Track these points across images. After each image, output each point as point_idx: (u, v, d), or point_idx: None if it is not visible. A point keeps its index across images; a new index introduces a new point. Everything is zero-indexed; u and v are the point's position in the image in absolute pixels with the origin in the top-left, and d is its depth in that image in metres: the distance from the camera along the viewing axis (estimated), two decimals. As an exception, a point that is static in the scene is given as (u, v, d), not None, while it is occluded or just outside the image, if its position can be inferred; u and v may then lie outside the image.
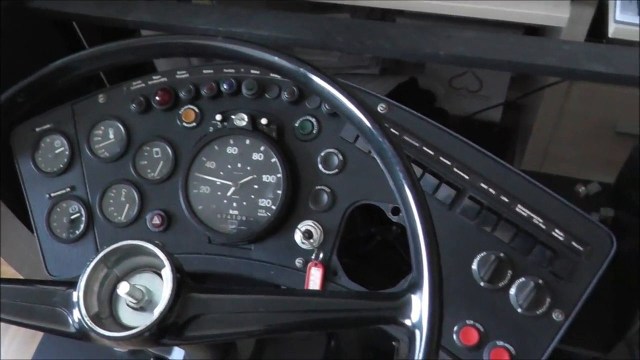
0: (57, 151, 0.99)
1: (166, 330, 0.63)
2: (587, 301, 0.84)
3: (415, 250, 0.62)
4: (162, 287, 0.64)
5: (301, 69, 0.69)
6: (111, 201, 0.97)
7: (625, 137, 1.34)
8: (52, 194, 0.99)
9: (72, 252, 0.98)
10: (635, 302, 0.92)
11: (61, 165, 0.99)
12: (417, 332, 0.59)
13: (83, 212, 0.97)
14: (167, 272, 0.64)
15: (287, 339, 1.00)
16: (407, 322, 0.60)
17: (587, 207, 1.06)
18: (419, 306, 0.59)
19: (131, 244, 0.67)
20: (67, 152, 0.99)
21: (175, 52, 0.75)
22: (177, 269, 0.65)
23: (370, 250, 1.02)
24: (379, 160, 0.66)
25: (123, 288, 0.64)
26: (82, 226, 0.97)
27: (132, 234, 0.95)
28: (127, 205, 0.96)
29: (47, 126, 1.00)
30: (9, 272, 1.24)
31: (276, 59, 0.69)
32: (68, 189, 0.98)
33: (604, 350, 0.94)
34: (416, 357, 0.58)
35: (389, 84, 1.68)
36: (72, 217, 0.98)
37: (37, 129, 1.00)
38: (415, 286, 0.60)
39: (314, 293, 0.64)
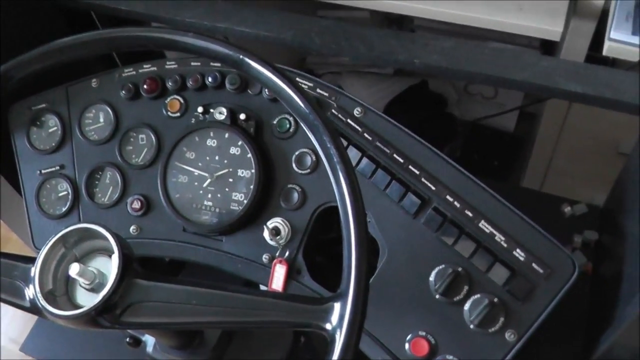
0: (50, 130, 1.03)
1: (107, 312, 0.65)
2: (558, 323, 0.83)
3: (346, 259, 0.62)
4: (111, 271, 0.66)
5: (240, 55, 0.70)
6: (97, 182, 1.00)
7: (627, 158, 1.32)
8: (43, 171, 1.02)
9: (56, 228, 0.99)
10: (603, 327, 0.90)
11: (53, 144, 1.02)
12: (336, 337, 0.60)
13: (70, 191, 1.01)
14: (115, 256, 0.66)
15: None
16: (328, 326, 0.61)
17: (571, 228, 1.06)
18: (340, 312, 0.60)
19: (86, 227, 0.70)
20: (59, 132, 1.02)
21: (116, 45, 0.78)
22: (125, 254, 0.67)
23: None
24: (322, 158, 0.67)
25: (74, 269, 0.66)
26: (68, 204, 1.01)
27: (113, 216, 0.98)
28: (111, 188, 0.99)
29: (43, 105, 1.03)
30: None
31: (214, 46, 0.71)
32: (58, 167, 1.01)
33: (569, 374, 0.94)
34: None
35: (401, 84, 1.68)
36: (60, 194, 1.02)
37: (33, 108, 1.04)
38: (341, 294, 0.61)
39: (244, 291, 0.65)
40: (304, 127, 0.70)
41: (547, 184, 1.55)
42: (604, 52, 1.04)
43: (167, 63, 0.99)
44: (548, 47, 1.49)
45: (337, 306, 0.61)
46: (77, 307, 0.66)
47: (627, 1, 1.09)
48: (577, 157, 1.44)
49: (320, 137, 0.67)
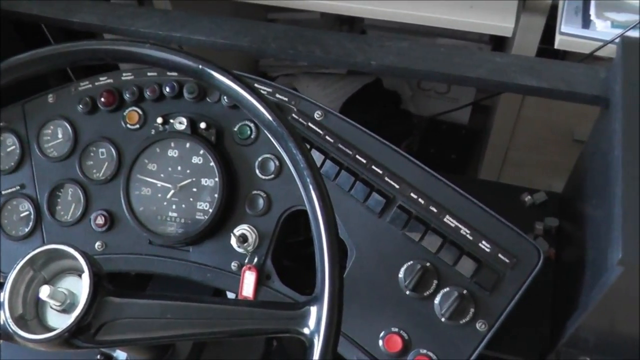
0: (8, 149, 1.01)
1: (81, 333, 0.65)
2: (524, 309, 0.85)
3: (319, 263, 0.63)
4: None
5: (200, 66, 0.70)
6: (59, 200, 0.98)
7: (583, 145, 1.35)
8: (4, 192, 1.00)
9: (20, 250, 0.99)
10: (568, 311, 0.93)
11: (12, 164, 1.00)
12: (314, 341, 0.60)
13: (32, 210, 0.99)
14: (85, 275, 0.66)
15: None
16: (306, 330, 0.61)
17: (532, 216, 1.08)
18: (317, 316, 0.61)
19: (54, 248, 0.69)
20: (17, 151, 1.00)
21: (73, 59, 0.77)
22: (95, 273, 0.66)
23: (311, 254, 1.02)
24: (290, 166, 0.68)
25: (44, 291, 0.65)
26: (30, 224, 0.99)
27: (77, 233, 0.97)
28: (73, 205, 0.97)
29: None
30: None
31: (174, 57, 0.71)
32: (18, 187, 1.00)
33: (538, 359, 0.96)
34: (310, 367, 0.59)
35: (356, 84, 1.69)
36: (22, 214, 1.00)
37: None
38: (316, 297, 0.62)
39: (218, 301, 0.65)
40: (268, 135, 0.70)
41: (505, 175, 1.58)
42: (556, 46, 1.07)
43: (124, 74, 0.98)
44: (498, 42, 1.52)
45: (313, 310, 0.62)
46: (49, 329, 0.65)
47: (576, -5, 1.12)
48: (533, 146, 1.47)
49: (285, 143, 0.68)
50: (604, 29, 1.09)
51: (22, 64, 0.77)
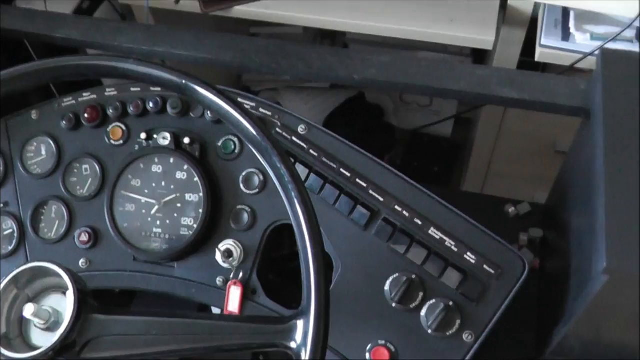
0: (-9, 167, 1.00)
1: (66, 351, 0.64)
2: (509, 319, 0.86)
3: (305, 276, 0.63)
4: (67, 308, 0.65)
5: (184, 81, 0.70)
6: (42, 217, 0.97)
7: (565, 156, 1.36)
8: (-14, 211, 0.99)
9: (3, 269, 0.97)
10: (554, 321, 0.93)
11: (-5, 182, 0.99)
12: (302, 354, 0.60)
13: (15, 228, 0.97)
14: (69, 293, 0.65)
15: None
16: (293, 344, 0.61)
17: (516, 227, 1.08)
18: (304, 330, 0.61)
19: (38, 266, 0.68)
20: (0, 168, 0.99)
21: (56, 75, 0.77)
22: (79, 290, 0.66)
23: (296, 267, 1.02)
24: (275, 180, 0.68)
25: (28, 310, 0.65)
26: (14, 242, 0.97)
27: (61, 251, 0.96)
28: (57, 222, 0.97)
29: (-19, 142, 1.01)
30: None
31: (159, 73, 0.71)
32: (1, 205, 0.98)
33: (525, 369, 0.96)
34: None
35: (339, 97, 1.70)
36: (5, 232, 0.98)
37: None
38: (303, 311, 0.62)
39: (204, 317, 0.65)
40: (253, 149, 0.71)
41: (488, 187, 1.59)
42: (536, 58, 1.09)
43: (107, 90, 0.97)
44: (479, 55, 1.54)
45: (300, 324, 0.61)
46: (34, 348, 0.65)
47: (555, 9, 1.13)
48: (516, 158, 1.48)
49: (270, 157, 0.68)
50: (583, 41, 1.11)
51: (4, 81, 0.77)
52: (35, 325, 0.67)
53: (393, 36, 1.22)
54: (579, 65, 1.09)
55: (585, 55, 1.07)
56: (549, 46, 1.08)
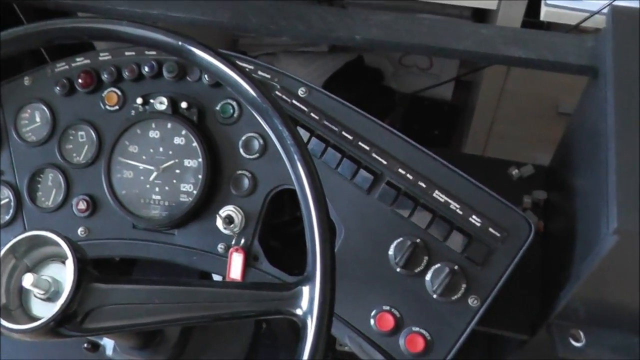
0: (-16, 135, 0.98)
1: (67, 321, 0.63)
2: (513, 284, 0.85)
3: (310, 241, 0.62)
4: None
5: (180, 43, 0.68)
6: (39, 186, 0.96)
7: (568, 117, 1.35)
8: (-18, 179, 0.98)
9: (1, 238, 0.97)
10: (560, 284, 0.92)
11: (-11, 150, 0.97)
12: (308, 322, 0.59)
13: (12, 197, 0.96)
14: (69, 262, 0.64)
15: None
16: (298, 311, 0.60)
17: (520, 189, 1.07)
18: (310, 296, 0.60)
19: (36, 234, 0.67)
20: None
21: (49, 39, 0.74)
22: (79, 259, 0.64)
23: (297, 233, 1.01)
24: (277, 144, 0.66)
25: (27, 280, 0.63)
26: (11, 211, 0.96)
27: (59, 220, 0.94)
28: (54, 190, 0.95)
29: (-26, 109, 0.99)
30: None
31: (155, 35, 0.69)
32: None
33: (529, 333, 0.95)
34: (306, 348, 0.58)
35: (337, 61, 1.67)
36: (2, 202, 0.97)
37: None
38: (308, 277, 0.61)
39: (207, 284, 0.64)
40: (253, 112, 0.69)
41: (489, 148, 1.57)
42: (542, 17, 1.07)
43: (101, 54, 0.95)
44: (480, 17, 1.51)
45: (305, 290, 0.60)
46: (34, 318, 0.64)
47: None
48: (518, 120, 1.46)
49: (271, 120, 0.66)
50: (591, -1, 1.08)
51: (-2, 44, 0.75)
52: (35, 296, 0.65)
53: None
54: (585, 25, 1.07)
55: (593, 13, 1.05)
56: (556, 5, 1.06)
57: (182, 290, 0.63)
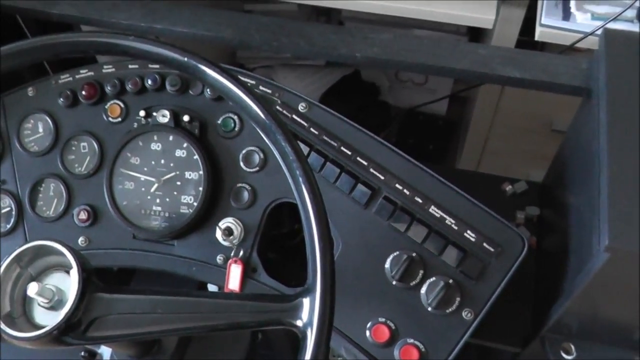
0: (-13, 145, 0.99)
1: (71, 330, 0.64)
2: (507, 297, 0.86)
3: (310, 254, 0.63)
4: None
5: (186, 59, 0.70)
6: (40, 195, 0.97)
7: (561, 134, 1.37)
8: (-16, 188, 0.99)
9: (2, 247, 0.97)
10: (552, 298, 0.94)
11: (-9, 160, 0.98)
12: (308, 333, 0.61)
13: (13, 206, 0.97)
14: (74, 272, 0.65)
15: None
16: (299, 322, 0.61)
17: (513, 205, 1.09)
18: (310, 308, 0.61)
19: (40, 244, 0.68)
20: None
21: (55, 52, 0.76)
22: (83, 269, 0.66)
23: (295, 245, 1.03)
24: (279, 159, 0.68)
25: (32, 289, 0.65)
26: (12, 220, 0.97)
27: (60, 229, 0.96)
28: (56, 200, 0.96)
29: (-22, 120, 1.00)
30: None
31: (161, 50, 0.71)
32: None
33: (522, 346, 0.97)
34: (306, 356, 0.59)
35: (334, 75, 1.69)
36: (3, 210, 0.98)
37: None
38: (308, 289, 0.62)
39: (210, 295, 0.65)
40: (256, 127, 0.70)
41: (483, 164, 1.59)
42: (537, 37, 1.09)
43: (104, 67, 0.97)
44: (475, 34, 1.53)
45: (305, 302, 0.62)
46: (38, 327, 0.65)
47: (556, -12, 1.14)
48: (512, 136, 1.48)
49: (274, 135, 0.67)
50: (584, 21, 1.11)
51: (2, 57, 0.76)
52: (39, 304, 0.66)
53: (390, 14, 1.21)
54: (579, 45, 1.09)
55: (586, 35, 1.07)
56: (550, 25, 1.08)
57: (184, 300, 0.65)
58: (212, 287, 1.01)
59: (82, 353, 0.95)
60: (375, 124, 1.71)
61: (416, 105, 1.72)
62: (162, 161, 0.92)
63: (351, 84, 1.73)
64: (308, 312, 0.61)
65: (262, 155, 0.90)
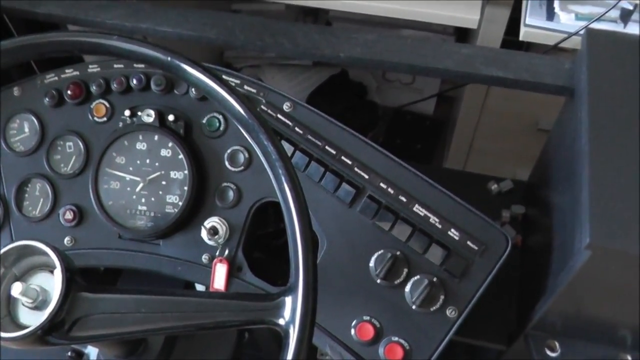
0: (-27, 145, 0.99)
1: (55, 330, 0.64)
2: (491, 295, 0.87)
3: (293, 253, 0.63)
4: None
5: (169, 58, 0.70)
6: (26, 195, 0.97)
7: (547, 134, 1.37)
8: (-31, 189, 0.99)
9: (-12, 247, 0.98)
10: (536, 296, 0.95)
11: (-23, 160, 0.98)
12: (290, 331, 0.61)
13: None
14: (57, 272, 0.65)
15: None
16: (281, 321, 0.62)
17: (499, 204, 1.10)
18: (292, 306, 0.61)
19: (25, 244, 0.68)
20: None
21: (40, 52, 0.76)
22: (67, 269, 0.66)
23: (281, 245, 1.03)
24: (262, 158, 0.68)
25: (16, 289, 0.65)
26: None
27: (46, 229, 0.95)
28: (41, 200, 0.96)
29: (-37, 119, 1.00)
30: None
31: (145, 50, 0.71)
32: None
33: (507, 343, 0.97)
34: (288, 357, 0.60)
35: (321, 75, 1.70)
36: (-11, 211, 0.98)
37: None
38: (291, 288, 0.62)
39: (193, 294, 0.66)
40: (239, 127, 0.70)
41: (470, 164, 1.60)
42: (521, 37, 1.10)
43: (90, 67, 0.96)
44: (462, 34, 1.54)
45: (288, 300, 0.62)
46: (22, 327, 0.65)
47: (540, -12, 1.14)
48: (498, 136, 1.49)
49: (257, 135, 0.68)
50: (568, 21, 1.12)
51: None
52: (23, 304, 0.66)
53: (377, 14, 1.22)
54: (563, 45, 1.10)
55: (570, 35, 1.08)
56: (534, 25, 1.09)
57: (168, 300, 0.65)
58: (199, 287, 1.01)
59: (69, 353, 0.95)
60: (363, 123, 1.71)
61: (403, 105, 1.73)
62: (148, 161, 0.92)
63: (339, 83, 1.73)
64: (290, 310, 0.61)
65: (247, 154, 0.90)
